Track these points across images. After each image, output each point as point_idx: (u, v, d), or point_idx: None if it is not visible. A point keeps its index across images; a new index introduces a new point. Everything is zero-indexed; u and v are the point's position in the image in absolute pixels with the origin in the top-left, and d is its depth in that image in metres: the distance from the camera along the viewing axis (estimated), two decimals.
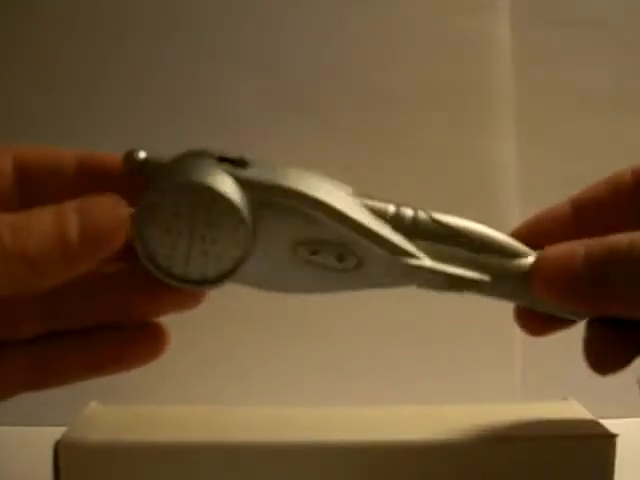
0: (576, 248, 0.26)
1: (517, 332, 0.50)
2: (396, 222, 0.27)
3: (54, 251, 0.23)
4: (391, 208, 0.27)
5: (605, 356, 0.29)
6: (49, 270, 0.24)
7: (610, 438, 0.31)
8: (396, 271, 0.27)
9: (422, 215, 0.27)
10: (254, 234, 0.26)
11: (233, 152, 0.27)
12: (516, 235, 0.29)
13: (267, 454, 0.31)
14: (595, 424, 0.32)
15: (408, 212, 0.27)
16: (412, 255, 0.27)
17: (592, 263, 0.26)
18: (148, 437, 0.31)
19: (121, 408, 0.34)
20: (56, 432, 0.31)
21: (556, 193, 0.49)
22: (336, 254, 0.27)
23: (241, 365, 0.49)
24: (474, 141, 0.49)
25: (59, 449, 0.30)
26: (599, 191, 0.29)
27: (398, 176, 0.49)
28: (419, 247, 0.27)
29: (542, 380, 0.49)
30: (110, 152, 0.28)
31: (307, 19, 0.48)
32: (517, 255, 0.28)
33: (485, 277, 0.27)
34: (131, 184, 0.26)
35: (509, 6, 0.48)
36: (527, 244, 0.28)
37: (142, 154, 0.26)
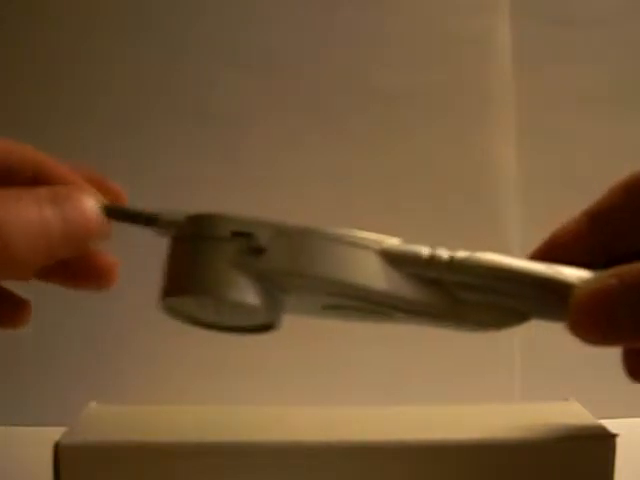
0: (609, 282, 0.24)
1: (517, 332, 0.50)
2: (432, 264, 0.26)
3: (38, 247, 0.24)
4: (425, 251, 0.26)
5: None
6: (31, 262, 0.24)
7: (610, 438, 0.31)
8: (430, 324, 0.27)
9: (459, 255, 0.26)
10: (280, 309, 0.26)
11: (248, 210, 0.26)
12: (537, 255, 0.29)
13: (267, 454, 0.30)
14: (595, 424, 0.32)
15: (444, 254, 0.26)
16: (438, 318, 0.26)
17: (629, 294, 0.24)
18: (148, 437, 0.31)
19: (121, 408, 0.34)
20: (56, 432, 0.31)
21: (556, 193, 0.49)
22: (369, 314, 0.27)
23: (241, 365, 0.49)
24: (474, 141, 0.49)
25: (59, 449, 0.30)
26: (614, 198, 0.28)
27: (398, 176, 0.49)
28: (450, 291, 0.26)
29: (542, 380, 0.49)
30: (61, 165, 0.29)
31: (307, 19, 0.48)
32: (557, 288, 0.26)
33: (524, 319, 0.27)
34: None
35: (509, 6, 0.48)
36: (550, 260, 0.27)
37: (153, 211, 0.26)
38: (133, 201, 0.29)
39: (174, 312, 0.27)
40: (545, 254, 0.29)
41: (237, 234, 0.25)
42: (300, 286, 0.25)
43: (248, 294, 0.25)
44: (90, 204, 0.26)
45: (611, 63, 0.48)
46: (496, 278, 0.26)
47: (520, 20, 0.48)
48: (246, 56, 0.48)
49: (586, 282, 0.25)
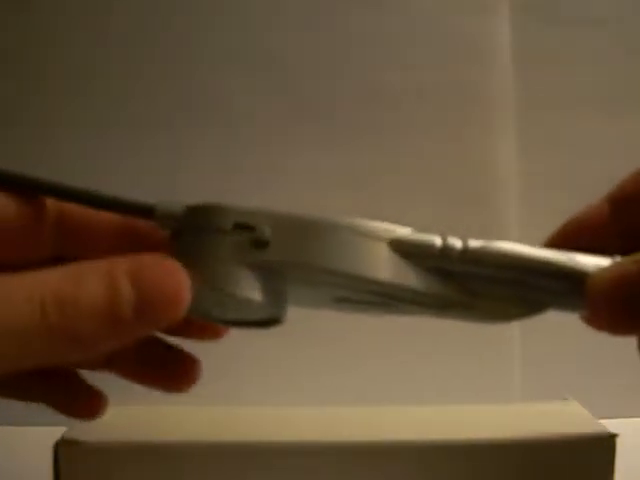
0: (629, 268, 0.24)
1: (517, 332, 0.50)
2: (444, 256, 0.25)
3: (105, 328, 0.21)
4: (438, 241, 0.25)
5: None
6: (98, 345, 0.21)
7: (610, 438, 0.31)
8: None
9: (473, 244, 0.25)
10: (284, 304, 0.25)
11: (247, 201, 0.25)
12: (555, 239, 0.28)
13: (268, 454, 0.30)
14: (595, 424, 0.32)
15: (457, 243, 0.25)
16: (449, 310, 0.25)
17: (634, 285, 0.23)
18: (148, 437, 0.31)
19: (121, 408, 0.34)
20: (56, 432, 0.31)
21: (556, 193, 0.49)
22: (381, 307, 0.26)
23: (242, 365, 0.48)
24: (474, 141, 0.49)
25: (59, 449, 0.30)
26: (637, 183, 0.27)
27: (398, 176, 0.49)
28: (464, 279, 0.25)
29: (542, 380, 0.49)
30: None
31: (307, 19, 0.48)
32: (574, 277, 0.25)
33: (539, 310, 0.26)
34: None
35: (509, 6, 0.48)
36: (568, 247, 0.26)
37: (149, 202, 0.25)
38: None
39: None
40: (564, 239, 0.28)
41: (239, 226, 0.24)
42: (306, 279, 0.25)
43: (250, 289, 0.24)
44: (173, 281, 0.22)
45: (611, 63, 0.48)
46: (510, 268, 0.25)
47: (520, 20, 0.48)
48: (246, 56, 0.48)
49: (603, 269, 0.24)
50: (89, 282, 0.21)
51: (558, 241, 0.28)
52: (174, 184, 0.47)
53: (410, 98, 0.48)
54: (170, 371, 0.30)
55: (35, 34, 0.47)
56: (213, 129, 0.48)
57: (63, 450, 0.30)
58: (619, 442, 0.31)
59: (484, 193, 0.49)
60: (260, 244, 0.24)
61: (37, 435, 0.36)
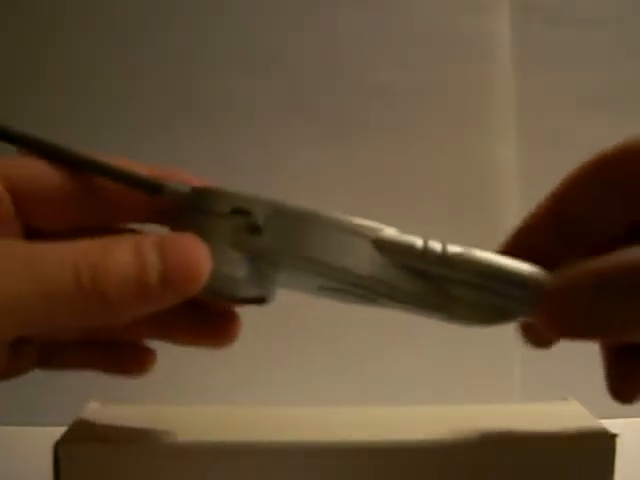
0: (568, 274, 0.25)
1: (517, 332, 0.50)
2: (422, 257, 0.26)
3: (133, 293, 0.23)
4: (419, 243, 0.26)
5: (627, 384, 0.28)
6: (126, 309, 0.23)
7: (610, 438, 0.31)
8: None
9: (451, 249, 0.26)
10: (272, 285, 0.27)
11: (247, 189, 0.26)
12: (506, 248, 0.29)
13: (267, 454, 0.30)
14: (595, 424, 0.32)
15: (437, 247, 0.26)
16: (423, 309, 0.27)
17: (584, 296, 0.25)
18: (148, 437, 0.31)
19: (121, 408, 0.34)
20: (56, 432, 0.31)
21: None
22: (362, 298, 0.27)
23: (243, 365, 0.49)
24: (474, 141, 0.49)
25: (59, 449, 0.30)
26: (576, 188, 0.29)
27: (398, 176, 0.49)
28: (442, 284, 0.26)
29: (542, 380, 0.49)
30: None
31: (307, 19, 0.48)
32: (534, 286, 0.26)
33: (506, 317, 0.27)
34: None
35: (509, 6, 0.48)
36: (519, 249, 0.28)
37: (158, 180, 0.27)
38: None
39: None
40: (515, 243, 0.29)
41: (236, 211, 0.26)
42: (292, 266, 0.26)
43: (236, 267, 0.26)
44: (195, 252, 0.24)
45: (611, 63, 0.48)
46: (484, 276, 0.26)
47: (520, 20, 0.48)
48: (246, 56, 0.48)
49: (552, 277, 0.26)
50: (118, 251, 0.23)
51: (511, 245, 0.29)
52: None
53: (410, 98, 0.48)
54: (212, 325, 0.31)
55: (35, 34, 0.47)
56: (213, 129, 0.48)
57: (63, 450, 0.30)
58: (619, 442, 0.31)
59: (484, 193, 0.49)
60: (254, 229, 0.26)
61: (37, 435, 0.36)
